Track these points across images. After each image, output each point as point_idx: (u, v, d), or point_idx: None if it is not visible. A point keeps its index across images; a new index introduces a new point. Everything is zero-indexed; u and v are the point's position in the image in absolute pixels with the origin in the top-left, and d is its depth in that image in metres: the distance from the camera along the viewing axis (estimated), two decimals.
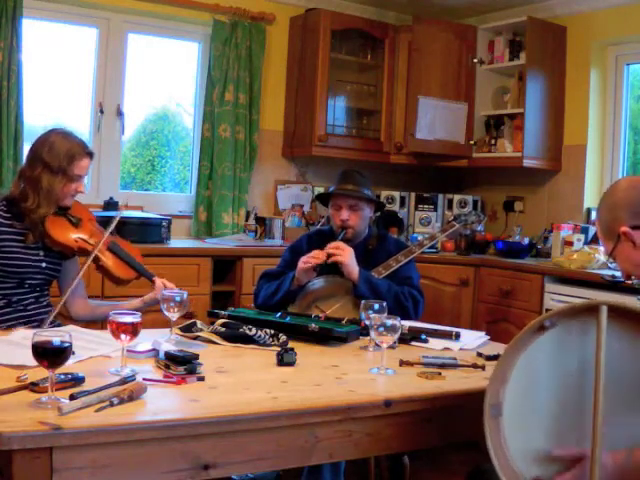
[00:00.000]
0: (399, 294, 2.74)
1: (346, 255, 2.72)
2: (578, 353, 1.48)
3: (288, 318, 2.40)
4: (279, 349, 1.99)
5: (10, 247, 2.39)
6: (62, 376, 1.59)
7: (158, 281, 2.55)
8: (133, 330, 1.72)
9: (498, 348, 2.27)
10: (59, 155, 2.37)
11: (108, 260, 2.53)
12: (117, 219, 2.54)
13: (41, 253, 2.46)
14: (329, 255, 2.72)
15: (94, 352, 1.92)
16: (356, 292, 2.70)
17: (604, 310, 1.42)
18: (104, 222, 2.60)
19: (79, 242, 2.47)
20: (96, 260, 2.48)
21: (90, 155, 2.47)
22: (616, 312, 1.44)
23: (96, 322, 2.76)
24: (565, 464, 1.46)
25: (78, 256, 2.57)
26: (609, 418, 1.40)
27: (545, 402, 1.50)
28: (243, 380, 1.80)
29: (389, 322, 1.91)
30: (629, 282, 1.84)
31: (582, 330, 1.47)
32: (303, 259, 2.73)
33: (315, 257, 2.71)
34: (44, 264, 2.47)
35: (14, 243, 2.40)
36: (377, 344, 1.98)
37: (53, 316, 2.38)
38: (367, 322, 2.14)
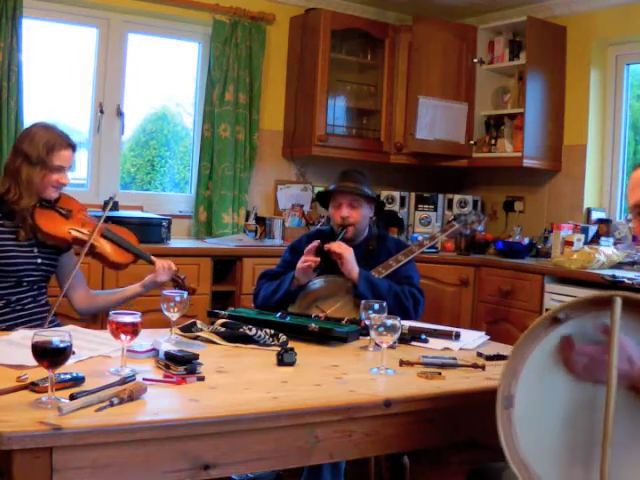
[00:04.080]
0: (399, 293, 2.73)
1: (347, 253, 2.73)
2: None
3: (288, 318, 2.40)
4: (279, 349, 1.99)
5: (3, 246, 2.38)
6: (62, 376, 1.59)
7: (158, 262, 2.56)
8: (133, 330, 1.71)
9: (498, 348, 2.28)
10: (38, 146, 2.37)
11: (104, 246, 2.52)
12: (110, 205, 2.54)
13: (35, 250, 2.46)
14: (329, 250, 2.72)
15: (94, 352, 1.91)
16: (356, 292, 2.70)
17: (618, 302, 1.40)
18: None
19: (73, 233, 2.46)
20: (92, 248, 2.47)
21: (72, 146, 2.45)
22: (629, 304, 1.43)
23: (100, 313, 2.77)
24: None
25: (73, 247, 2.57)
26: (621, 410, 1.40)
27: (558, 394, 1.49)
28: (243, 380, 1.79)
29: (389, 322, 1.90)
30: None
31: (596, 323, 1.46)
32: (302, 258, 2.73)
33: (314, 259, 2.72)
34: (39, 260, 2.46)
35: (7, 242, 2.39)
36: (377, 344, 1.98)
37: (54, 312, 2.38)
38: (367, 322, 2.14)
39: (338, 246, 2.75)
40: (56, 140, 2.40)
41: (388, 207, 4.64)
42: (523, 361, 1.50)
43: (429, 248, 3.07)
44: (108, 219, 2.65)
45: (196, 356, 1.79)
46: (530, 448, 1.48)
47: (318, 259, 2.71)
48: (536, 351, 1.49)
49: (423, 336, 2.34)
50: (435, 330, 2.42)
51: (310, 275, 2.75)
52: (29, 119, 3.83)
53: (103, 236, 2.53)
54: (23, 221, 2.40)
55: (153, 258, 2.60)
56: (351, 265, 2.73)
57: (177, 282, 2.58)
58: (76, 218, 2.51)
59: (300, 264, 2.72)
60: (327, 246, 2.75)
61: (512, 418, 1.48)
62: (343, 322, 2.42)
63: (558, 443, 1.48)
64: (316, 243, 2.75)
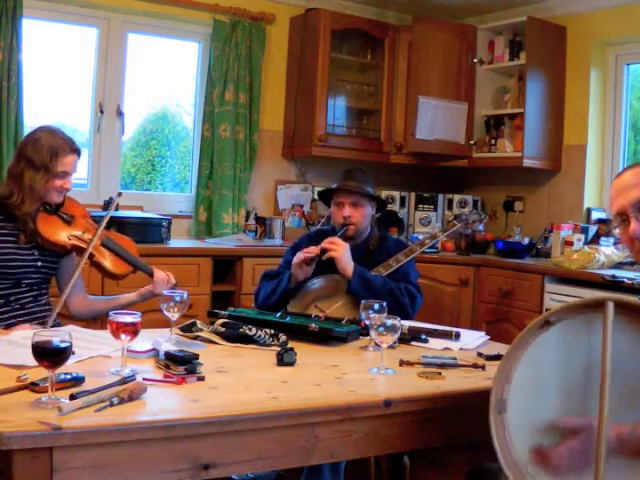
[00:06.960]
0: (394, 289, 2.71)
1: (340, 250, 2.72)
2: (583, 349, 1.47)
3: (288, 318, 2.40)
4: (279, 349, 1.99)
5: (3, 248, 2.38)
6: (62, 376, 1.59)
7: (157, 274, 2.55)
8: (133, 330, 1.71)
9: (498, 348, 2.27)
10: (42, 151, 2.35)
11: (102, 256, 2.50)
12: (109, 214, 2.52)
13: (36, 253, 2.45)
14: (324, 251, 2.71)
15: (94, 352, 1.91)
16: (349, 288, 2.69)
17: (610, 306, 1.41)
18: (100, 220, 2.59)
19: (72, 240, 2.44)
20: (90, 256, 2.46)
21: (76, 151, 2.43)
22: (622, 308, 1.43)
23: (95, 318, 2.77)
24: (566, 434, 1.46)
25: (73, 253, 2.56)
26: (614, 414, 1.40)
27: (550, 399, 1.49)
28: (243, 380, 1.79)
29: (389, 322, 1.90)
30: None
31: (587, 326, 1.46)
32: (297, 254, 2.73)
33: (309, 251, 2.71)
34: (39, 263, 2.46)
35: (7, 244, 2.38)
36: (377, 344, 1.97)
37: (54, 317, 2.38)
38: (367, 322, 2.14)
39: (331, 242, 2.73)
40: (60, 145, 2.38)
41: (388, 207, 4.65)
42: (516, 365, 1.50)
43: (429, 248, 3.06)
44: (111, 223, 2.62)
45: (196, 356, 1.79)
46: (524, 452, 1.47)
47: (313, 249, 2.70)
48: (526, 355, 1.49)
49: (423, 336, 2.34)
50: (435, 330, 2.41)
51: (306, 270, 2.73)
52: (29, 119, 3.84)
53: (103, 245, 2.52)
54: (24, 225, 2.39)
55: (153, 269, 2.58)
56: (344, 262, 2.71)
57: None
58: (78, 224, 2.49)
59: (295, 259, 2.72)
60: (321, 246, 2.74)
61: (505, 422, 1.48)
62: (343, 322, 2.42)
63: (550, 419, 1.47)
64: (315, 252, 2.74)
